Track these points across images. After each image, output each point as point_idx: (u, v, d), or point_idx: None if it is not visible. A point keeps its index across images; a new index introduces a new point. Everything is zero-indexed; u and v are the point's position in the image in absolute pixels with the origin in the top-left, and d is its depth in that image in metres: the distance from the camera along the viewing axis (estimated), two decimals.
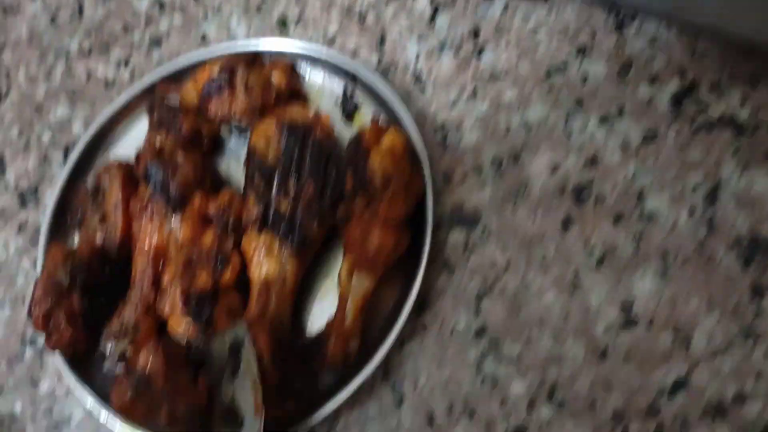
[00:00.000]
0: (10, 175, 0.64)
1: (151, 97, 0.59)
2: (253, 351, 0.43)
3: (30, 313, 0.51)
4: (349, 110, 0.56)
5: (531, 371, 0.46)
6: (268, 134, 0.52)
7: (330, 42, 0.58)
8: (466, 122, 0.54)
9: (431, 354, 0.48)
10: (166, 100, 0.58)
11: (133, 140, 0.60)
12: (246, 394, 0.42)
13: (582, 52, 0.52)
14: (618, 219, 0.48)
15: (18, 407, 0.55)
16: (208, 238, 0.51)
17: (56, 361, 0.54)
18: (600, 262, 0.47)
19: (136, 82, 0.61)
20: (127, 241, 0.54)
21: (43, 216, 0.59)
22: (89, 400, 0.51)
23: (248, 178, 0.52)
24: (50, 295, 0.51)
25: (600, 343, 0.46)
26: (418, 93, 0.55)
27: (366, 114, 0.55)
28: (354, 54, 0.58)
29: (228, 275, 0.50)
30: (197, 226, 0.52)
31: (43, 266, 0.52)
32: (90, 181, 0.58)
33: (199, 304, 0.49)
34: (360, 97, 0.56)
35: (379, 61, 0.57)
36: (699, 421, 0.42)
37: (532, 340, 0.47)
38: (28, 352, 0.57)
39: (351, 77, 0.56)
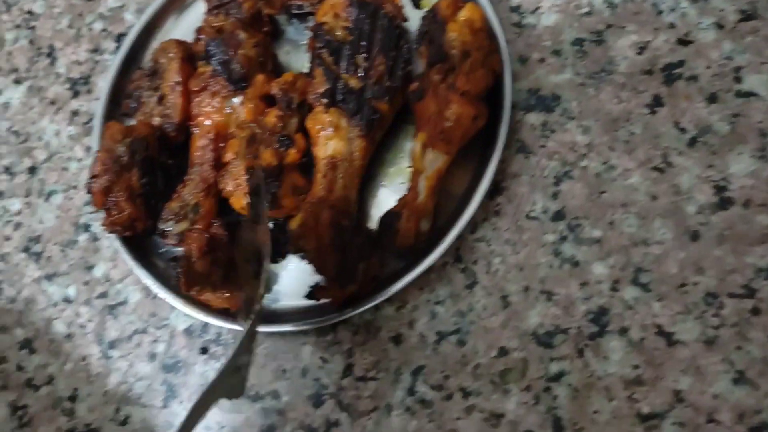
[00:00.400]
0: (62, 64, 0.62)
1: None
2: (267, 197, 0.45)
3: (89, 189, 0.49)
4: None
5: (614, 254, 0.44)
6: (337, 8, 0.49)
7: None
8: (543, 3, 0.51)
9: (505, 238, 0.46)
10: None
11: (188, 27, 0.57)
12: (264, 235, 0.42)
13: None
14: (712, 99, 0.45)
15: (72, 291, 0.54)
16: (272, 117, 0.49)
17: (113, 243, 0.52)
18: (692, 142, 0.44)
19: None
20: (186, 121, 0.52)
21: (97, 104, 0.57)
22: (147, 281, 0.50)
23: (315, 54, 0.49)
24: (109, 170, 0.49)
25: (691, 225, 0.43)
26: None
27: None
28: None
29: (292, 155, 0.48)
30: (260, 106, 0.50)
31: (102, 143, 0.50)
32: (146, 64, 0.56)
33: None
34: None
35: None
36: None
37: (616, 222, 0.44)
38: (82, 238, 0.55)
39: None
